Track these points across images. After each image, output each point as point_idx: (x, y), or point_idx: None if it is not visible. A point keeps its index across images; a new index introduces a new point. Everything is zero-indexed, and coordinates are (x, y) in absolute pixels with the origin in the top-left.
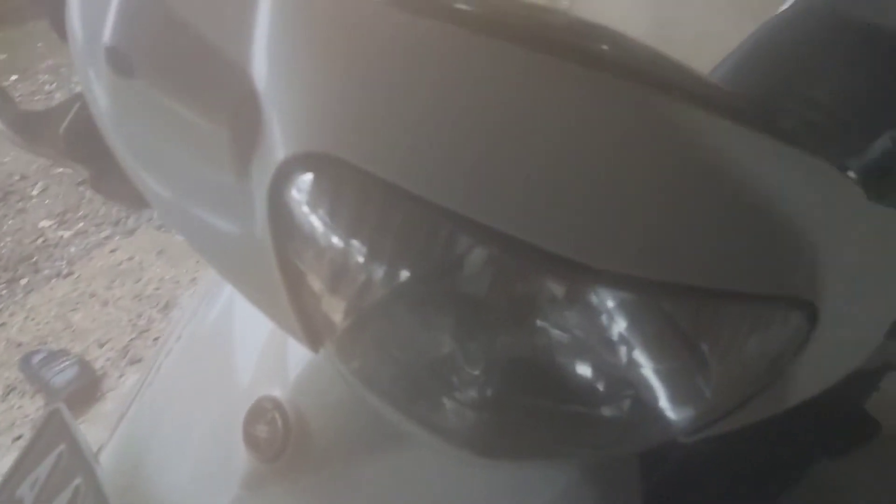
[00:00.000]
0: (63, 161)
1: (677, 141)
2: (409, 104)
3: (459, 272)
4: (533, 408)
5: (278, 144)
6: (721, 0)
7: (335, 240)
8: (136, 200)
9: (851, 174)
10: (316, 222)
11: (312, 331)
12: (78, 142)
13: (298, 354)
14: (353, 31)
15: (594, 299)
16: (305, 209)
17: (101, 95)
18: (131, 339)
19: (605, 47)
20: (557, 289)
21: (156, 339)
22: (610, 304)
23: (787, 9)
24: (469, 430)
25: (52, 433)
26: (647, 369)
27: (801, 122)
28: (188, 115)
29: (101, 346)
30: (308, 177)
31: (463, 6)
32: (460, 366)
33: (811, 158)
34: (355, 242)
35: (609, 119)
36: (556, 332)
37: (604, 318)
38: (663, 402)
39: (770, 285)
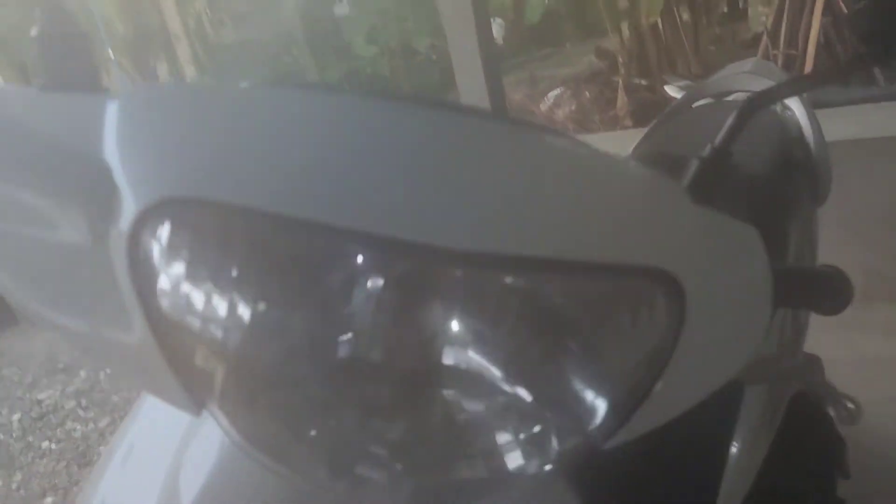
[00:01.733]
0: None
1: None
2: (251, 142)
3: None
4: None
5: (132, 202)
6: None
7: (200, 282)
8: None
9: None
10: (178, 267)
11: (193, 392)
12: None
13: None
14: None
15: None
16: (166, 256)
17: None
18: None
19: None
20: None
21: None
22: (500, 296)
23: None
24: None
25: None
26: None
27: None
28: (38, 205)
29: None
30: (165, 224)
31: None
32: (351, 426)
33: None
34: (220, 278)
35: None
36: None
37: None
38: (568, 409)
39: (628, 252)
